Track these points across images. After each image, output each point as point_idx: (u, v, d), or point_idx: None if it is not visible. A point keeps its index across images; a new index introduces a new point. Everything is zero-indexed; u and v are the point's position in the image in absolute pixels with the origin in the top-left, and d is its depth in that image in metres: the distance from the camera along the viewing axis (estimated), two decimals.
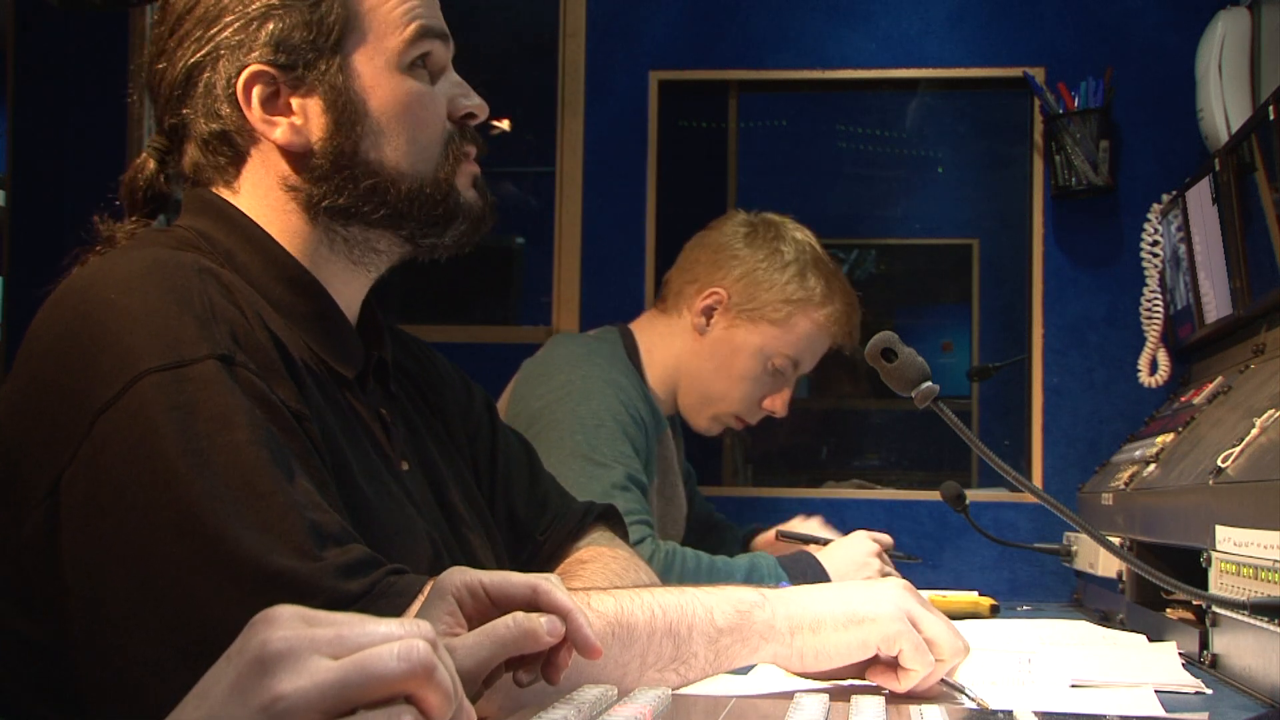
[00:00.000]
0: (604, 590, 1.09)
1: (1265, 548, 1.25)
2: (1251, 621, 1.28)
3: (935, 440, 3.81)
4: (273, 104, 1.21)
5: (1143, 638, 1.67)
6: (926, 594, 1.27)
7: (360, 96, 1.22)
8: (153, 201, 1.29)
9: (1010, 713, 0.99)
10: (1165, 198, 2.60)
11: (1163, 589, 1.57)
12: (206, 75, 1.21)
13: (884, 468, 4.16)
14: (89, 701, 1.00)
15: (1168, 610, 1.70)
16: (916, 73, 2.86)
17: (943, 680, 1.16)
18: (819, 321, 2.23)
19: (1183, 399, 2.30)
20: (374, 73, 1.23)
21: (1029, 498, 1.95)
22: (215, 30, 1.20)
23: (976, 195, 4.13)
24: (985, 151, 3.95)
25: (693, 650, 1.09)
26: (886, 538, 2.18)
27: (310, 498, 1.00)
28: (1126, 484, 2.00)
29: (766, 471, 3.75)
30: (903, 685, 1.12)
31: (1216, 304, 2.22)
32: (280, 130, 1.21)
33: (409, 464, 1.28)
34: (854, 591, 1.16)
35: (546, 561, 1.45)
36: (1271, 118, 1.81)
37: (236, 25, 1.20)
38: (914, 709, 1.02)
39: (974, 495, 2.52)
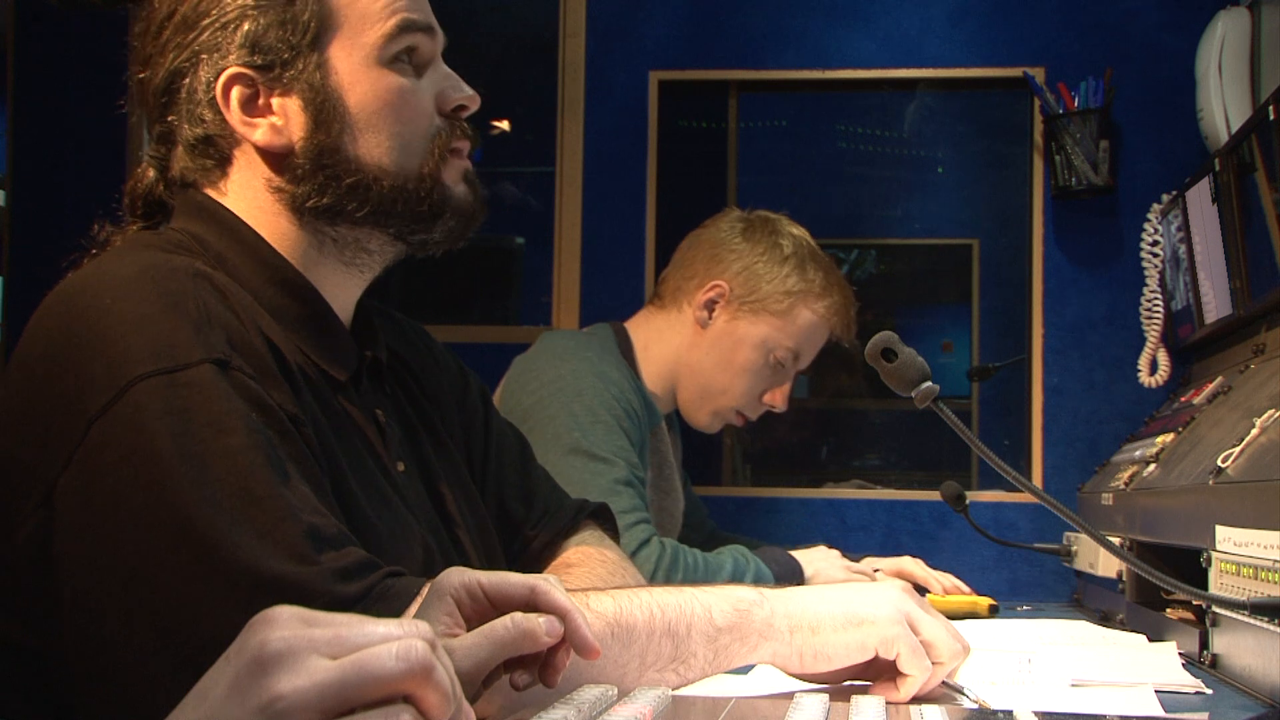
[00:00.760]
0: (602, 590, 1.09)
1: (1265, 548, 1.24)
2: (1251, 621, 1.28)
3: (935, 440, 3.82)
4: (252, 105, 1.20)
5: (1143, 638, 1.67)
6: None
7: (338, 93, 1.21)
8: (152, 209, 1.29)
9: (1010, 713, 0.99)
10: (1165, 198, 2.60)
11: (1163, 589, 1.57)
12: (187, 81, 1.21)
13: (884, 468, 4.16)
14: (85, 709, 0.99)
15: (1168, 610, 1.70)
16: (916, 73, 2.86)
17: (943, 681, 1.16)
18: (819, 312, 2.24)
19: (1183, 399, 2.30)
20: (352, 68, 1.21)
21: (1029, 498, 1.95)
22: (193, 35, 1.20)
23: (976, 195, 4.13)
24: (985, 151, 3.95)
25: (692, 650, 1.09)
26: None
27: (307, 501, 1.00)
28: (1126, 484, 2.00)
29: (766, 471, 3.75)
30: (903, 693, 1.12)
31: (1216, 304, 2.22)
32: (260, 131, 1.20)
33: (404, 465, 1.28)
34: (854, 593, 1.16)
35: (536, 557, 1.44)
36: (1271, 118, 1.81)
37: (213, 29, 1.20)
38: (914, 709, 1.02)
39: (974, 495, 2.52)
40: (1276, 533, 1.22)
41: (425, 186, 1.24)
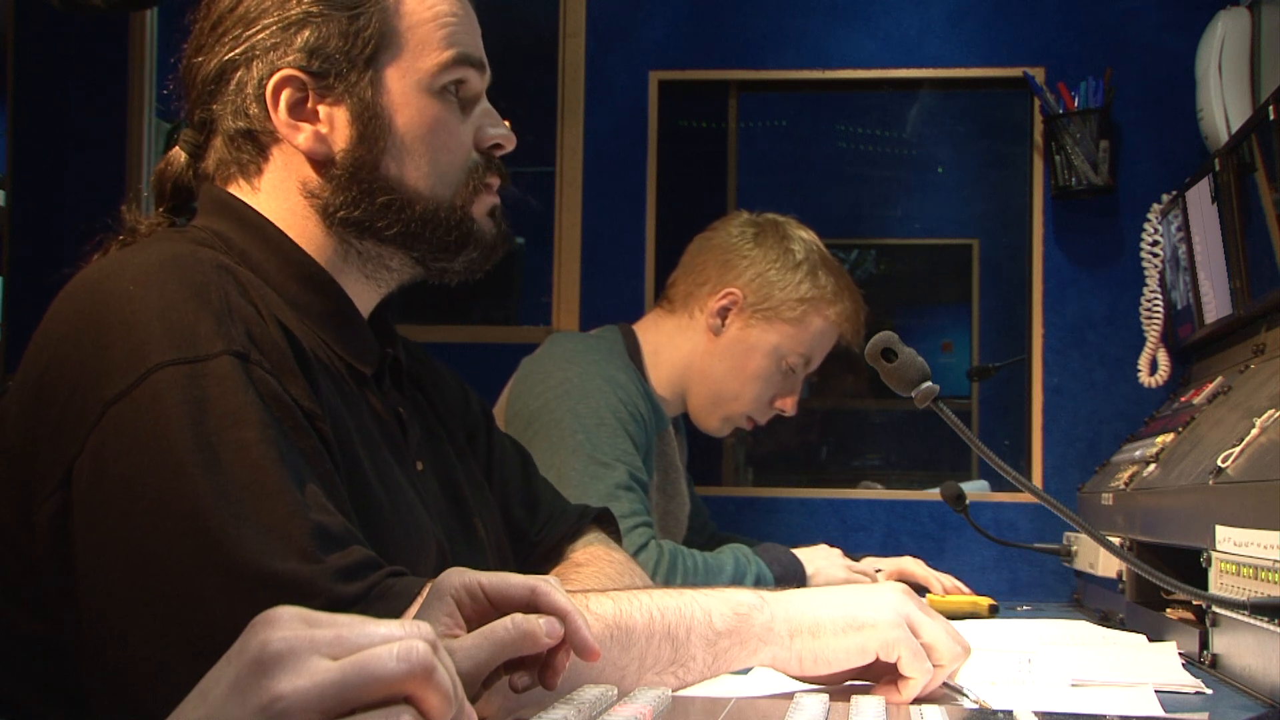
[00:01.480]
0: (602, 593, 1.09)
1: (1265, 548, 1.24)
2: (1251, 621, 1.28)
3: (935, 440, 3.82)
4: (300, 109, 1.21)
5: (1143, 638, 1.67)
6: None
7: (387, 112, 1.22)
8: (180, 195, 1.30)
9: (1010, 713, 0.99)
10: (1165, 198, 2.60)
11: (1163, 589, 1.57)
12: (239, 73, 1.22)
13: (884, 468, 4.16)
14: (93, 696, 1.00)
15: (1168, 610, 1.70)
16: (916, 73, 2.86)
17: (944, 682, 1.16)
18: (831, 319, 2.25)
19: (1183, 399, 2.30)
20: (404, 91, 1.23)
21: (1029, 498, 1.95)
22: (253, 30, 1.21)
23: (976, 195, 4.13)
24: (985, 151, 3.95)
25: (691, 653, 1.09)
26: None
27: (316, 499, 1.00)
28: (1126, 484, 2.00)
29: (767, 472, 3.75)
30: (904, 695, 1.12)
31: (1216, 304, 2.22)
32: (304, 136, 1.21)
33: (423, 464, 1.29)
34: (854, 596, 1.16)
35: (542, 562, 1.45)
36: (1271, 118, 1.81)
37: (274, 28, 1.21)
38: (914, 709, 1.02)
39: (974, 495, 2.52)
40: (1276, 533, 1.22)
41: (455, 217, 1.26)
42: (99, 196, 1.31)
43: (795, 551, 2.20)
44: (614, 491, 1.97)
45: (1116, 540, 1.89)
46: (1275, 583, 1.22)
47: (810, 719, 0.93)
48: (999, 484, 2.83)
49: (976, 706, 1.13)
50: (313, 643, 0.61)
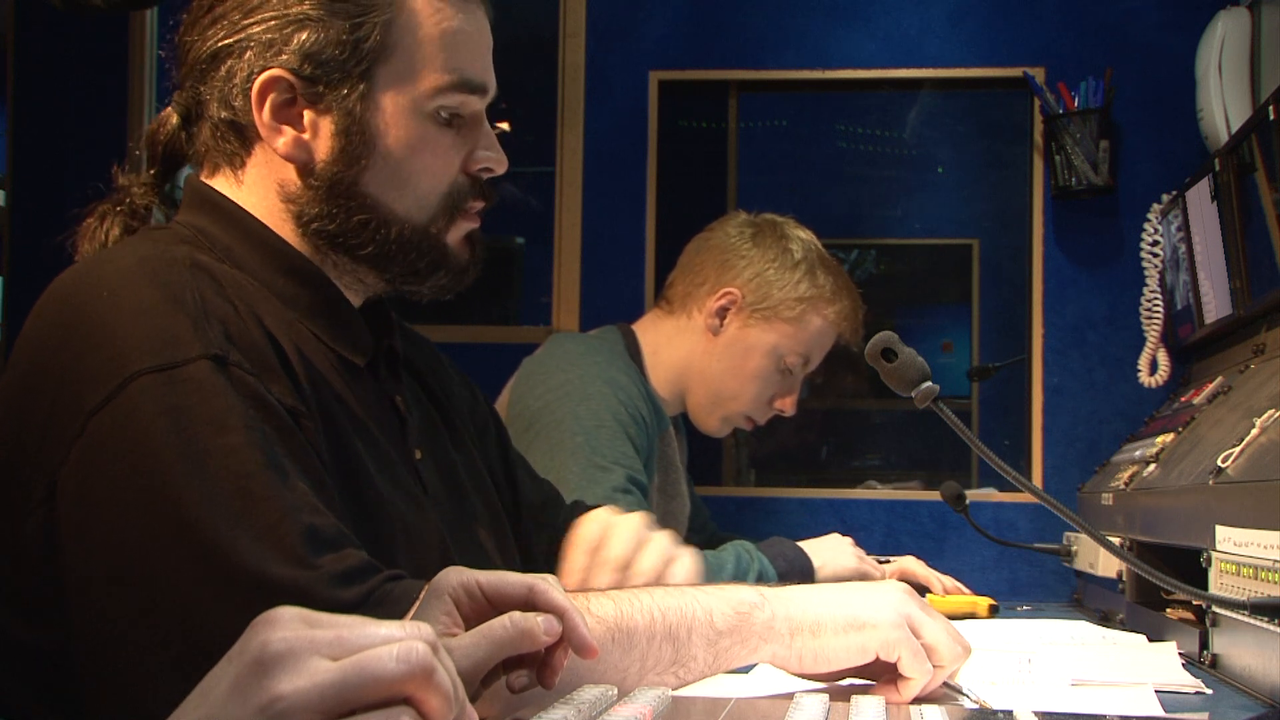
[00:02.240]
0: (602, 593, 1.09)
1: (1265, 548, 1.24)
2: (1251, 621, 1.28)
3: (935, 440, 3.81)
4: (285, 111, 1.18)
5: (1143, 638, 1.67)
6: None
7: (374, 129, 1.19)
8: (172, 158, 1.28)
9: (1010, 713, 0.99)
10: (1165, 198, 2.60)
11: (1163, 589, 1.57)
12: (230, 62, 1.18)
13: (884, 468, 4.16)
14: (87, 706, 0.99)
15: (1168, 610, 1.70)
16: (916, 73, 2.86)
17: (944, 682, 1.16)
18: (829, 318, 2.25)
19: (1183, 399, 2.30)
20: (395, 109, 1.19)
21: (1029, 498, 1.95)
22: (251, 20, 1.17)
23: (976, 195, 4.13)
24: (985, 151, 3.94)
25: (692, 653, 1.09)
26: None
27: (306, 500, 0.99)
28: (1126, 484, 2.00)
29: (768, 472, 3.75)
30: (904, 695, 1.12)
31: (1216, 304, 2.22)
32: (284, 140, 1.19)
33: (421, 452, 1.28)
34: (855, 595, 1.16)
35: (544, 557, 1.45)
36: (1271, 118, 1.81)
37: (273, 23, 1.17)
38: (914, 709, 1.02)
39: (974, 495, 2.52)
40: (1276, 533, 1.22)
41: (429, 243, 1.24)
42: (99, 197, 1.30)
43: (804, 543, 2.18)
44: (611, 494, 1.97)
45: (1116, 540, 1.89)
46: (1275, 583, 1.22)
47: (810, 719, 0.93)
48: (1000, 485, 2.83)
49: (976, 706, 1.12)
50: (313, 643, 0.61)
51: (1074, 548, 2.29)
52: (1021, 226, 2.85)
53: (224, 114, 1.20)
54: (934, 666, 1.13)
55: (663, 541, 1.34)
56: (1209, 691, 1.29)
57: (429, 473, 1.27)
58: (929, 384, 1.22)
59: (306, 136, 1.19)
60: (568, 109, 2.89)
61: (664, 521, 2.25)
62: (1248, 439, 1.48)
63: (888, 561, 2.33)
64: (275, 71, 1.17)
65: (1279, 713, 1.19)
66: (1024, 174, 2.85)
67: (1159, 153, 2.69)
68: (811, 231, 2.31)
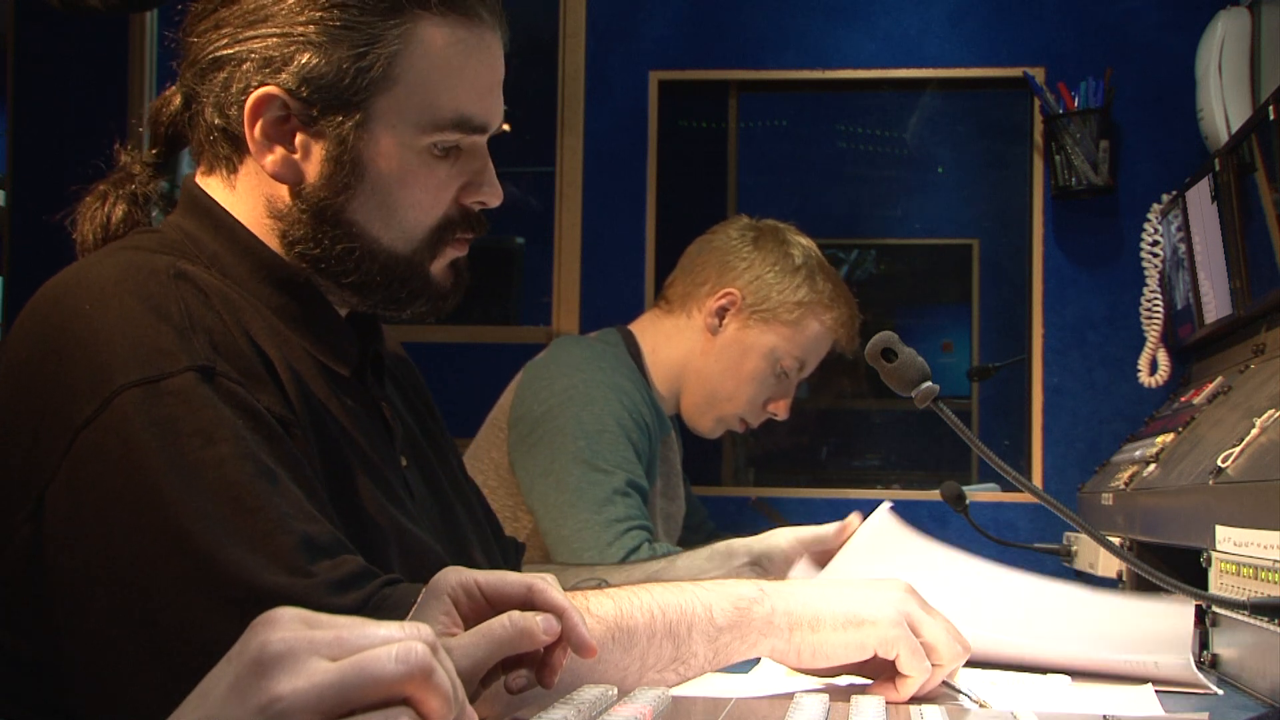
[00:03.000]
0: (601, 592, 1.09)
1: (1265, 548, 1.24)
2: (1251, 621, 1.28)
3: (935, 440, 3.81)
4: (277, 130, 1.16)
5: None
6: None
7: (366, 159, 1.16)
8: (174, 137, 1.25)
9: (1010, 713, 0.99)
10: (1165, 198, 2.60)
11: (1163, 589, 1.56)
12: (229, 71, 1.15)
13: (884, 468, 4.16)
14: (82, 719, 0.98)
15: None
16: (916, 73, 2.86)
17: (944, 681, 1.16)
18: (827, 324, 2.26)
19: (1183, 399, 2.30)
20: (391, 142, 1.16)
21: (1029, 498, 1.95)
22: (253, 34, 1.14)
23: (976, 195, 4.13)
24: (985, 151, 3.94)
25: (692, 650, 1.09)
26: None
27: (299, 507, 0.99)
28: (1126, 484, 2.00)
29: (767, 472, 3.75)
30: (902, 693, 1.12)
31: (1216, 304, 2.22)
32: (273, 158, 1.16)
33: (407, 460, 1.27)
34: (855, 592, 1.16)
35: None
36: (1271, 118, 1.81)
37: (274, 40, 1.14)
38: (914, 709, 1.02)
39: (974, 494, 2.52)
40: (1276, 533, 1.22)
41: (410, 273, 1.21)
42: (99, 175, 1.29)
43: None
44: (610, 496, 1.98)
45: (1116, 540, 1.89)
46: (1275, 583, 1.22)
47: (810, 719, 0.93)
48: (1000, 484, 2.83)
49: (976, 706, 1.12)
50: (312, 644, 0.61)
51: (1074, 548, 2.29)
52: (1021, 226, 2.85)
53: (218, 121, 1.17)
54: (932, 665, 1.13)
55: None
56: (1219, 692, 1.29)
57: (415, 481, 1.27)
58: (929, 384, 1.22)
59: (297, 157, 1.16)
60: (568, 109, 2.89)
61: (664, 524, 2.26)
62: (1248, 439, 1.48)
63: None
64: (271, 89, 1.14)
65: (1279, 713, 1.19)
66: (1024, 174, 2.85)
67: (1159, 153, 2.69)
68: (809, 231, 2.32)
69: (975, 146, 3.97)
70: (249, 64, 1.15)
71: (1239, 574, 1.32)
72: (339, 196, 1.17)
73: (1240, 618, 1.33)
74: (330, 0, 1.14)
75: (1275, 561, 1.22)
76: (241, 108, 1.15)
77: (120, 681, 0.95)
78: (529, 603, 0.89)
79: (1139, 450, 2.13)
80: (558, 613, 0.88)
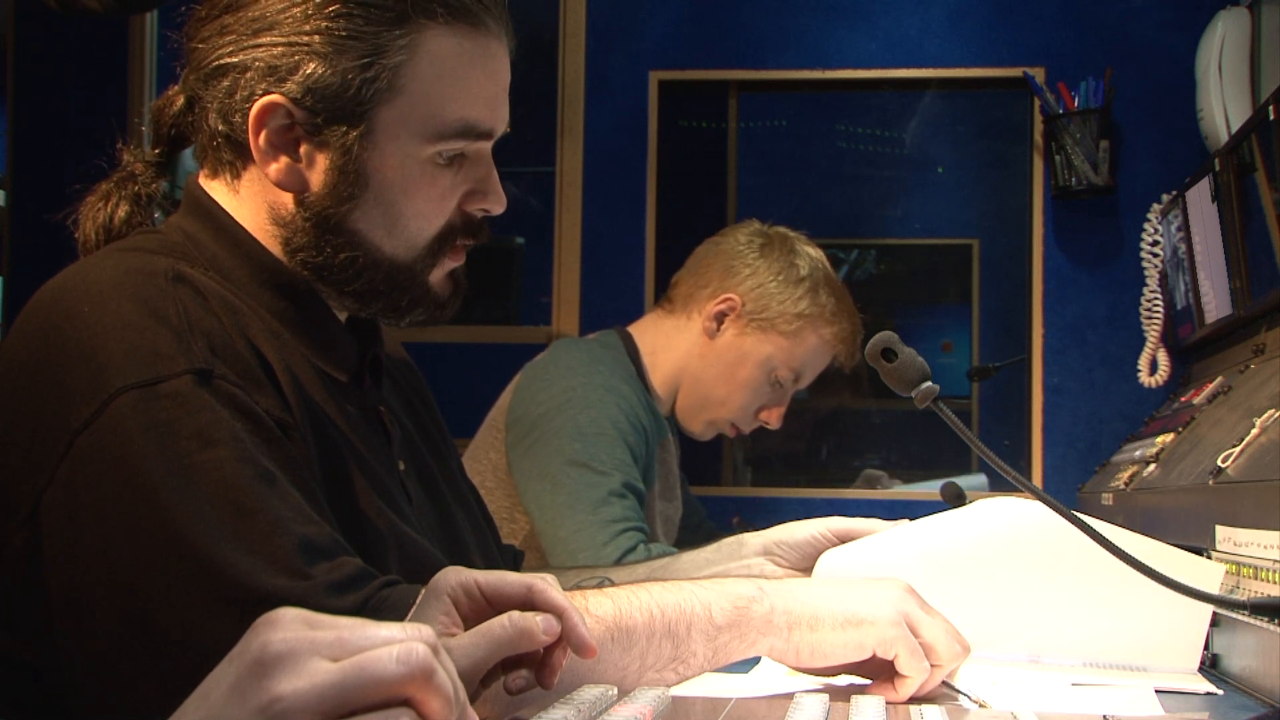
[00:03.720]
0: (601, 591, 1.09)
1: (1265, 548, 1.24)
2: (1251, 621, 1.28)
3: (935, 440, 3.81)
4: (281, 138, 1.15)
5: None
6: None
7: (370, 170, 1.15)
8: (177, 137, 1.25)
9: (1010, 713, 0.99)
10: (1165, 198, 2.60)
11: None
12: (233, 78, 1.15)
13: (884, 468, 4.15)
14: None
15: None
16: (916, 73, 2.86)
17: (943, 681, 1.16)
18: (826, 338, 2.25)
19: (1183, 399, 2.30)
20: (396, 152, 1.16)
21: (1029, 498, 1.94)
22: (259, 42, 1.14)
23: (976, 195, 4.13)
24: (985, 151, 3.94)
25: (692, 649, 1.09)
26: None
27: (298, 510, 0.99)
28: (1126, 484, 2.00)
29: (767, 472, 3.75)
30: (901, 693, 1.12)
31: (1216, 304, 2.22)
32: (276, 167, 1.16)
33: (405, 464, 1.27)
34: (854, 591, 1.16)
35: None
36: (1271, 118, 1.81)
37: (280, 49, 1.13)
38: (914, 709, 1.02)
39: (974, 495, 2.52)
40: (1276, 533, 1.22)
41: (411, 281, 1.21)
42: (101, 174, 1.29)
43: None
44: (606, 498, 1.98)
45: None
46: (1275, 583, 1.22)
47: (810, 719, 0.93)
48: (998, 483, 2.82)
49: (976, 706, 1.12)
50: (313, 644, 0.61)
51: None
52: (1021, 226, 2.85)
53: (221, 127, 1.17)
54: (931, 665, 1.13)
55: None
56: (1219, 692, 1.29)
57: (413, 485, 1.27)
58: (929, 384, 1.22)
59: (301, 166, 1.16)
60: (568, 109, 2.89)
61: (662, 526, 2.26)
62: (1248, 439, 1.48)
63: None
64: (275, 98, 1.13)
65: (1279, 713, 1.19)
66: (1024, 174, 2.85)
67: (1159, 153, 2.69)
68: (809, 231, 2.32)
69: (975, 146, 3.97)
70: (253, 72, 1.14)
71: (1239, 574, 1.32)
72: (343, 206, 1.16)
73: (1240, 618, 1.33)
74: (336, 10, 1.13)
75: (1275, 561, 1.22)
76: (246, 115, 1.15)
77: (119, 684, 0.94)
78: (529, 603, 0.89)
79: (1139, 450, 2.13)
80: (557, 613, 0.88)
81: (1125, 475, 2.05)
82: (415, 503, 1.25)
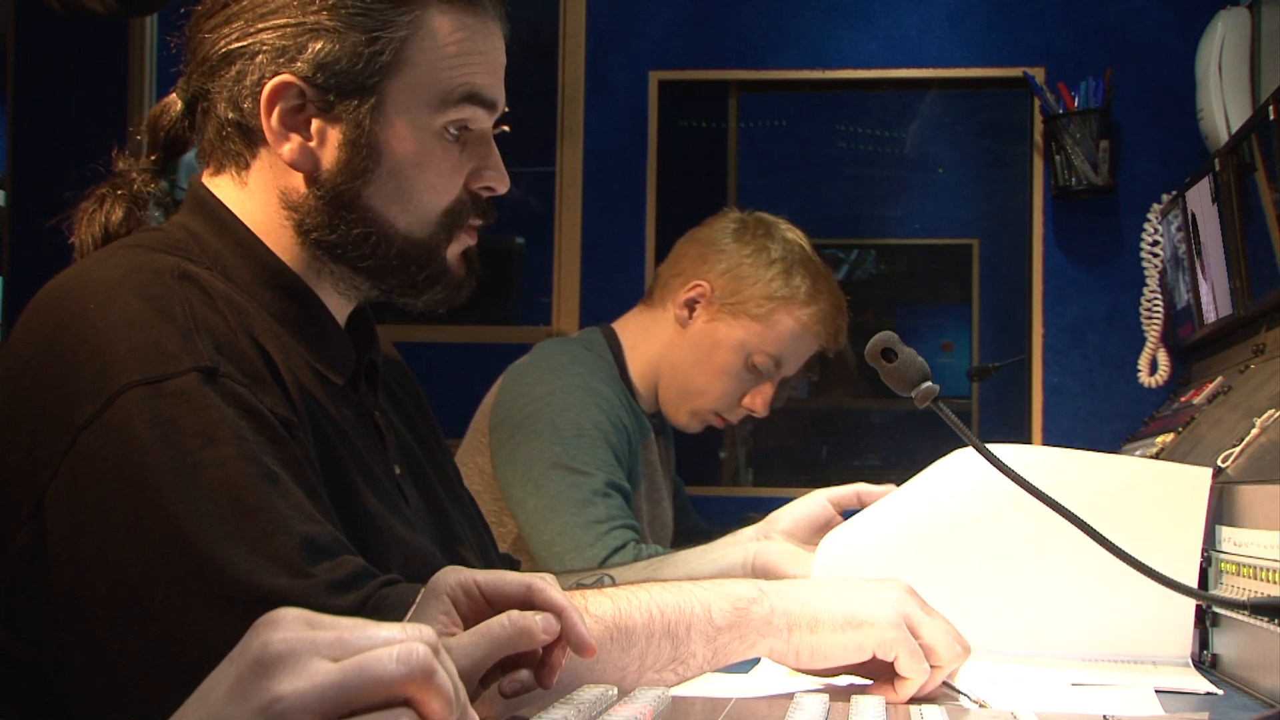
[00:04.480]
0: (600, 591, 1.09)
1: (1265, 548, 1.24)
2: (1251, 621, 1.28)
3: (935, 440, 3.81)
4: (294, 118, 1.17)
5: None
6: None
7: (381, 143, 1.18)
8: (174, 144, 1.26)
9: (1010, 713, 0.98)
10: (1165, 198, 2.60)
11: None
12: (241, 64, 1.17)
13: (884, 468, 4.15)
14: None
15: None
16: (916, 73, 2.86)
17: (944, 682, 1.16)
18: (801, 320, 2.19)
19: (1183, 399, 2.30)
20: (405, 125, 1.18)
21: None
22: (266, 26, 1.16)
23: (976, 195, 4.13)
24: (985, 151, 3.94)
25: (691, 650, 1.09)
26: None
27: (300, 508, 0.99)
28: None
29: (767, 472, 3.75)
30: (901, 694, 1.12)
31: (1216, 304, 2.22)
32: (290, 146, 1.17)
33: (400, 468, 1.27)
34: (854, 593, 1.16)
35: None
36: (1271, 118, 1.81)
37: (287, 29, 1.15)
38: (914, 709, 1.02)
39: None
40: (1276, 533, 1.22)
41: (426, 257, 1.22)
42: (98, 180, 1.29)
43: None
44: (590, 498, 1.96)
45: None
46: (1275, 583, 1.22)
47: (810, 719, 0.93)
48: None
49: (976, 706, 1.12)
50: (313, 644, 0.61)
51: None
52: (1021, 226, 2.85)
53: (231, 115, 1.18)
54: (932, 667, 1.13)
55: None
56: (1219, 692, 1.29)
57: (409, 489, 1.27)
58: (929, 384, 1.22)
59: (313, 145, 1.18)
60: (568, 109, 2.89)
61: (652, 527, 2.24)
62: (1248, 439, 1.48)
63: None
64: (286, 78, 1.16)
65: (1279, 713, 1.19)
66: (1024, 174, 2.85)
67: (1159, 153, 2.69)
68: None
69: (975, 146, 3.97)
70: (263, 55, 1.16)
71: (1239, 574, 1.32)
72: (356, 181, 1.18)
73: (1240, 618, 1.33)
74: None
75: (1275, 561, 1.22)
76: (257, 99, 1.16)
77: (120, 682, 0.94)
78: (528, 602, 0.89)
79: (1139, 450, 2.13)
80: (557, 612, 0.88)
81: None
82: (411, 505, 1.25)
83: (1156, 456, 1.97)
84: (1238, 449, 1.48)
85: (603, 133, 2.89)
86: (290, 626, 0.62)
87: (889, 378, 1.23)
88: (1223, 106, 2.42)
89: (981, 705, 1.13)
